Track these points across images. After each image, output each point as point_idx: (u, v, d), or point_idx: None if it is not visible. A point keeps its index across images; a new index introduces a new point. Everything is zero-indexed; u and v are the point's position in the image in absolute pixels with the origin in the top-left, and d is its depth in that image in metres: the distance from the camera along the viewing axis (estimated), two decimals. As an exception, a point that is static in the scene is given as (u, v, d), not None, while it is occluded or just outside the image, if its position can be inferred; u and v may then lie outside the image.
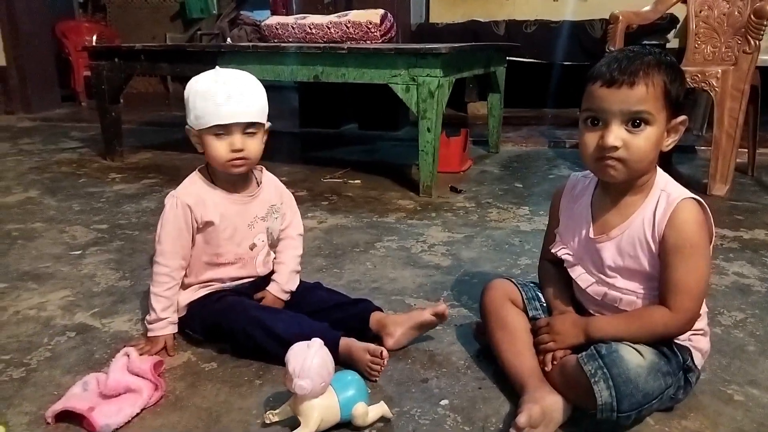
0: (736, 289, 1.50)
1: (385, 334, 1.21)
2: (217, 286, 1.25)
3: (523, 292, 1.14)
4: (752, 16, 2.25)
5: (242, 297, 1.23)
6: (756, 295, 1.47)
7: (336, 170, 2.82)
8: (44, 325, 1.33)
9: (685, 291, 0.93)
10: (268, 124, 1.22)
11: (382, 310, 1.28)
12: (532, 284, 1.18)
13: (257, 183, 1.28)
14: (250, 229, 1.25)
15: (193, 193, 1.20)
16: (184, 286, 1.24)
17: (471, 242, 1.87)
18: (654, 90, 0.91)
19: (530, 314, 1.12)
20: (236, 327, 1.15)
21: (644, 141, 0.92)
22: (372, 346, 1.12)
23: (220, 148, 1.16)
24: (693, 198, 0.96)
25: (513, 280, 1.17)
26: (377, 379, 1.10)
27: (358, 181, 2.64)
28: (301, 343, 0.94)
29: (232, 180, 1.23)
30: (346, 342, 1.13)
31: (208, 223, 1.20)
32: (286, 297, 1.29)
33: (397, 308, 1.39)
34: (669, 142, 0.96)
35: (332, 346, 1.05)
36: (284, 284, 1.29)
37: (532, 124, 4.07)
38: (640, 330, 0.95)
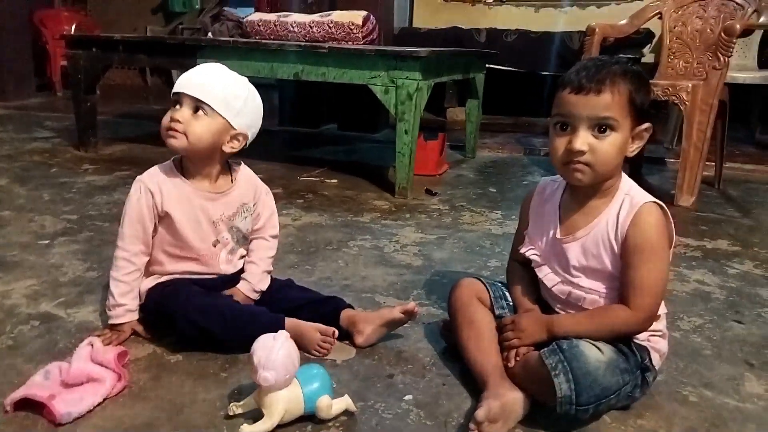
0: (696, 296, 1.55)
1: (356, 332, 1.22)
2: (178, 276, 1.24)
3: (490, 291, 1.16)
4: (722, 34, 2.32)
5: (191, 284, 1.21)
6: (715, 302, 1.51)
7: (313, 169, 2.83)
8: (7, 314, 1.31)
9: (644, 290, 0.96)
10: (239, 131, 1.19)
11: (353, 308, 1.29)
12: (499, 284, 1.20)
13: (231, 180, 1.26)
14: (215, 226, 1.23)
15: (158, 180, 1.19)
16: (147, 274, 1.23)
17: (443, 243, 1.89)
18: (619, 97, 0.95)
19: (497, 312, 1.14)
20: (178, 310, 1.13)
21: (609, 146, 0.96)
22: (322, 326, 1.15)
23: (165, 117, 1.16)
24: (655, 202, 0.99)
25: (481, 279, 1.20)
26: (325, 356, 1.14)
27: (335, 181, 2.65)
28: (267, 334, 0.95)
29: (204, 173, 1.22)
30: (293, 323, 1.15)
31: (168, 214, 1.19)
32: (256, 296, 1.29)
33: (367, 306, 1.40)
34: (633, 148, 1.00)
35: (276, 327, 1.06)
36: (255, 284, 1.28)
37: (508, 131, 4.12)
38: (600, 327, 0.98)
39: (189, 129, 1.14)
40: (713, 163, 2.74)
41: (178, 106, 1.15)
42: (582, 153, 0.95)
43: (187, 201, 1.20)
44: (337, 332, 1.16)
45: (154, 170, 1.22)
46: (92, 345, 1.08)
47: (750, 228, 2.19)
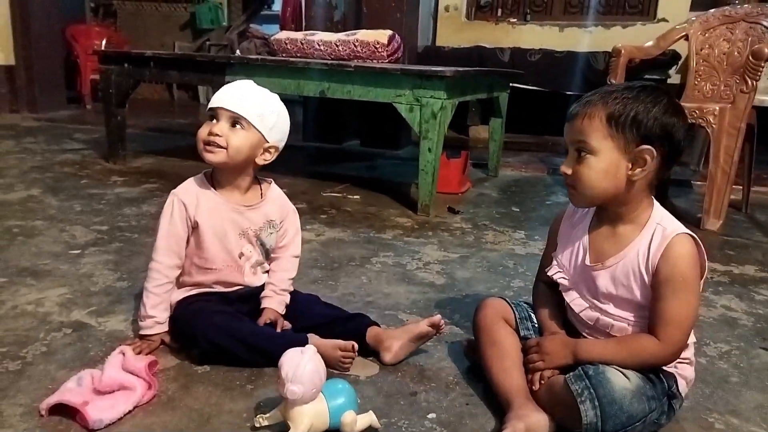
0: (723, 322, 1.53)
1: (383, 349, 1.23)
2: (205, 289, 1.26)
3: (516, 312, 1.17)
4: (750, 58, 2.31)
5: (214, 304, 1.23)
6: (742, 329, 1.49)
7: (336, 185, 2.86)
8: (41, 321, 1.35)
9: (674, 323, 0.96)
10: (272, 143, 1.23)
11: (378, 325, 1.30)
12: (525, 304, 1.20)
13: (261, 195, 1.29)
14: (241, 238, 1.25)
15: (191, 191, 1.23)
16: (178, 285, 1.26)
17: (466, 262, 1.89)
18: (590, 122, 0.98)
19: (522, 334, 1.14)
20: (200, 332, 1.16)
21: (587, 169, 0.99)
22: (342, 342, 1.17)
23: (202, 129, 1.20)
24: (687, 233, 0.99)
25: (507, 299, 1.20)
26: (348, 371, 1.18)
27: (358, 197, 2.67)
28: (294, 348, 0.96)
29: (235, 185, 1.25)
30: (314, 340, 1.17)
31: (198, 225, 1.22)
32: (283, 310, 1.31)
33: (390, 323, 1.41)
34: (637, 172, 0.97)
35: (300, 345, 1.06)
36: (280, 300, 1.30)
37: (532, 150, 4.12)
38: (627, 357, 0.98)
39: (224, 141, 1.17)
40: (741, 187, 2.71)
41: (215, 121, 1.19)
42: (566, 175, 1.02)
43: (217, 212, 1.23)
44: (356, 345, 1.18)
45: (188, 183, 1.26)
46: (123, 354, 1.11)
47: (778, 253, 2.16)
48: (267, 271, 1.33)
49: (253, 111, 1.19)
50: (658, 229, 0.99)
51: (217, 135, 1.17)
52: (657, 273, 0.97)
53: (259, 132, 1.20)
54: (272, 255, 1.33)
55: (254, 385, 1.13)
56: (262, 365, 1.16)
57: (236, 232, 1.25)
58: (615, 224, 1.04)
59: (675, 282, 0.96)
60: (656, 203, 1.04)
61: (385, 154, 3.86)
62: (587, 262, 1.06)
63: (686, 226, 1.01)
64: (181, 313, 1.23)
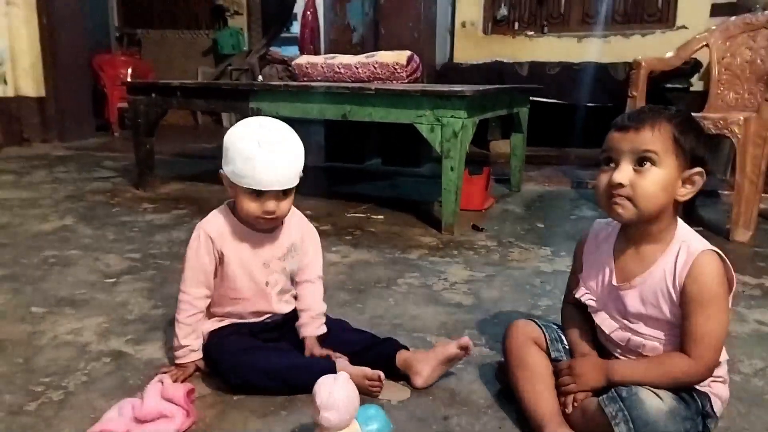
0: (757, 337, 1.51)
1: (413, 373, 1.24)
2: (236, 320, 1.29)
3: (546, 334, 1.17)
4: (773, 65, 2.29)
5: (243, 339, 1.25)
6: (777, 344, 1.47)
7: (360, 205, 2.89)
8: (81, 350, 1.39)
9: (704, 341, 0.96)
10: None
11: (408, 349, 1.31)
12: (555, 326, 1.20)
13: (281, 222, 1.31)
14: (266, 267, 1.28)
15: (216, 224, 1.26)
16: (209, 315, 1.30)
17: (492, 281, 1.90)
18: (659, 134, 0.97)
19: (552, 356, 1.14)
20: (230, 369, 1.19)
21: (650, 181, 0.97)
22: (369, 371, 1.18)
23: (252, 206, 1.19)
24: (713, 250, 0.99)
25: (536, 321, 1.20)
26: (378, 396, 1.19)
27: (381, 217, 2.70)
28: (328, 375, 0.98)
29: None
30: (341, 368, 1.18)
31: (224, 255, 1.24)
32: (323, 330, 1.32)
33: (418, 346, 1.42)
34: (684, 192, 1.00)
35: (330, 372, 1.09)
36: (316, 330, 1.31)
37: (554, 163, 4.11)
38: (660, 377, 0.98)
39: (279, 212, 1.21)
40: (769, 195, 2.67)
41: (266, 197, 1.19)
42: (621, 186, 0.98)
43: (241, 243, 1.26)
44: (383, 375, 1.19)
45: (212, 216, 1.28)
46: (162, 382, 1.14)
47: (811, 263, 2.12)
48: (295, 296, 1.35)
49: (296, 174, 1.21)
50: (683, 247, 1.00)
51: (272, 212, 1.20)
52: (684, 291, 0.98)
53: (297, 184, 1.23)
54: (296, 279, 1.34)
55: (288, 411, 1.15)
56: (297, 392, 1.18)
57: (261, 261, 1.27)
58: (640, 243, 1.04)
59: (703, 300, 0.96)
60: (680, 221, 1.04)
61: (407, 171, 3.89)
62: (614, 282, 1.06)
63: (714, 240, 1.02)
64: (212, 348, 1.26)
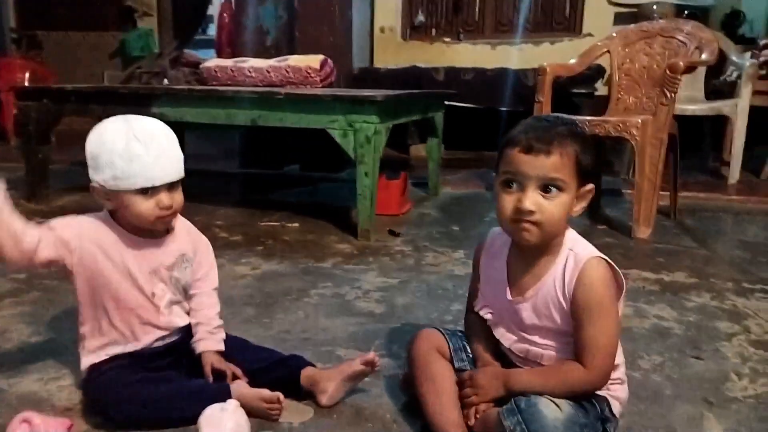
0: (656, 332, 1.56)
1: (318, 392, 1.18)
2: (119, 349, 1.17)
3: (450, 344, 1.14)
4: (667, 71, 2.41)
5: (124, 372, 1.14)
6: (674, 338, 1.53)
7: (274, 213, 2.80)
8: (-58, 388, 1.24)
9: (596, 349, 0.96)
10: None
11: (314, 365, 1.25)
12: (459, 333, 1.18)
13: (168, 230, 1.22)
14: (152, 276, 1.18)
15: (95, 229, 1.15)
16: (87, 349, 1.18)
17: (406, 288, 1.87)
18: (567, 159, 0.96)
19: (456, 365, 1.12)
20: (111, 409, 1.09)
21: (557, 207, 0.96)
22: (266, 392, 1.12)
23: (146, 207, 1.11)
24: (600, 257, 0.99)
25: (441, 329, 1.18)
26: (277, 419, 1.12)
27: (296, 225, 2.62)
28: (214, 405, 0.91)
29: (137, 231, 1.17)
30: (237, 392, 1.11)
31: (98, 263, 1.14)
32: (222, 346, 1.24)
33: (327, 360, 1.36)
34: (577, 209, 1.01)
35: (222, 397, 1.04)
36: (216, 345, 1.23)
37: (471, 166, 4.17)
38: (557, 385, 0.97)
39: (176, 206, 1.15)
40: (668, 193, 2.81)
41: (158, 193, 1.11)
42: (531, 213, 0.95)
43: (126, 249, 1.16)
44: (281, 396, 1.12)
45: (89, 217, 1.17)
46: (29, 422, 1.02)
47: (706, 258, 2.24)
48: (187, 312, 1.25)
49: (182, 163, 1.16)
50: (571, 256, 1.00)
51: (168, 207, 1.13)
52: (573, 300, 0.98)
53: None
54: (190, 292, 1.25)
55: (178, 444, 1.06)
56: (187, 424, 1.09)
57: (147, 270, 1.17)
58: (531, 255, 1.03)
59: (592, 307, 0.96)
60: (569, 228, 1.04)
61: (327, 177, 3.82)
62: (508, 297, 1.06)
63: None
64: (90, 384, 1.15)
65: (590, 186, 1.00)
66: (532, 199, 0.96)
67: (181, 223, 1.25)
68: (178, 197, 1.15)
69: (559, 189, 0.96)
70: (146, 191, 1.10)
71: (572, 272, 0.98)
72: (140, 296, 1.17)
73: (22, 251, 1.09)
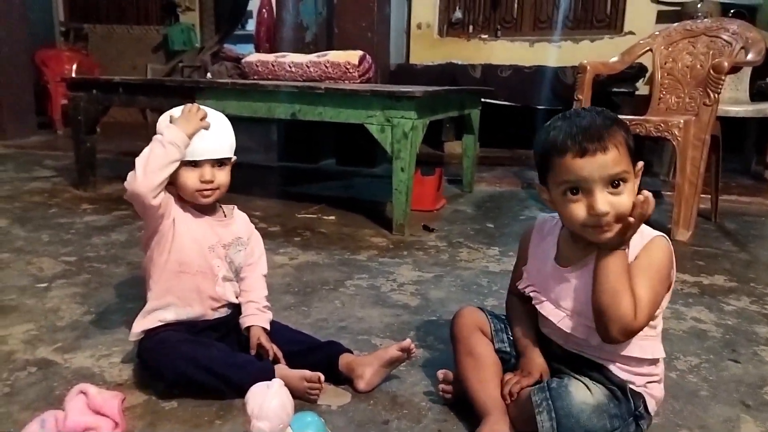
0: (693, 335, 1.55)
1: (356, 377, 1.22)
2: (174, 314, 1.23)
3: (491, 324, 1.17)
4: (711, 71, 2.37)
5: (180, 333, 1.21)
6: (711, 341, 1.51)
7: (311, 206, 2.85)
8: (4, 360, 1.31)
9: (643, 304, 0.94)
10: (234, 158, 1.29)
11: (351, 352, 1.29)
12: (502, 316, 1.21)
13: (224, 215, 1.32)
14: (211, 251, 1.26)
15: (173, 199, 1.25)
16: (145, 310, 1.24)
17: (440, 282, 1.89)
18: (621, 148, 0.95)
19: (496, 346, 1.15)
20: (166, 362, 1.15)
21: (627, 197, 0.95)
22: (308, 372, 1.16)
23: (190, 178, 1.22)
24: (665, 236, 1.01)
25: (483, 309, 1.20)
26: (317, 401, 1.17)
27: (333, 217, 2.67)
28: (261, 383, 0.95)
29: (201, 208, 1.27)
30: (280, 372, 1.16)
31: (175, 222, 1.23)
32: (267, 325, 1.30)
33: (363, 348, 1.40)
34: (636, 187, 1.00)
35: (265, 376, 1.08)
36: (263, 322, 1.29)
37: (506, 164, 4.16)
38: (614, 288, 0.93)
39: (217, 182, 1.24)
40: (709, 196, 2.76)
41: (194, 166, 1.22)
42: (606, 213, 0.94)
43: (193, 219, 1.26)
44: (322, 377, 1.17)
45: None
46: (85, 393, 1.08)
47: (746, 263, 2.20)
48: (236, 295, 1.32)
49: (228, 146, 1.27)
50: (636, 234, 0.98)
51: (209, 182, 1.23)
52: (636, 262, 0.97)
53: (232, 157, 1.28)
54: (241, 274, 1.33)
55: (222, 421, 1.11)
56: (231, 396, 1.14)
57: (207, 244, 1.26)
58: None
59: (652, 268, 0.96)
60: None
61: (362, 172, 3.87)
62: (556, 265, 1.06)
63: None
64: (146, 345, 1.22)
65: (641, 163, 0.99)
66: (603, 200, 0.94)
67: (239, 214, 1.36)
68: (221, 175, 1.25)
69: (624, 180, 0.95)
70: (194, 164, 1.21)
71: (639, 243, 0.98)
72: (202, 263, 1.25)
73: (158, 184, 1.18)
